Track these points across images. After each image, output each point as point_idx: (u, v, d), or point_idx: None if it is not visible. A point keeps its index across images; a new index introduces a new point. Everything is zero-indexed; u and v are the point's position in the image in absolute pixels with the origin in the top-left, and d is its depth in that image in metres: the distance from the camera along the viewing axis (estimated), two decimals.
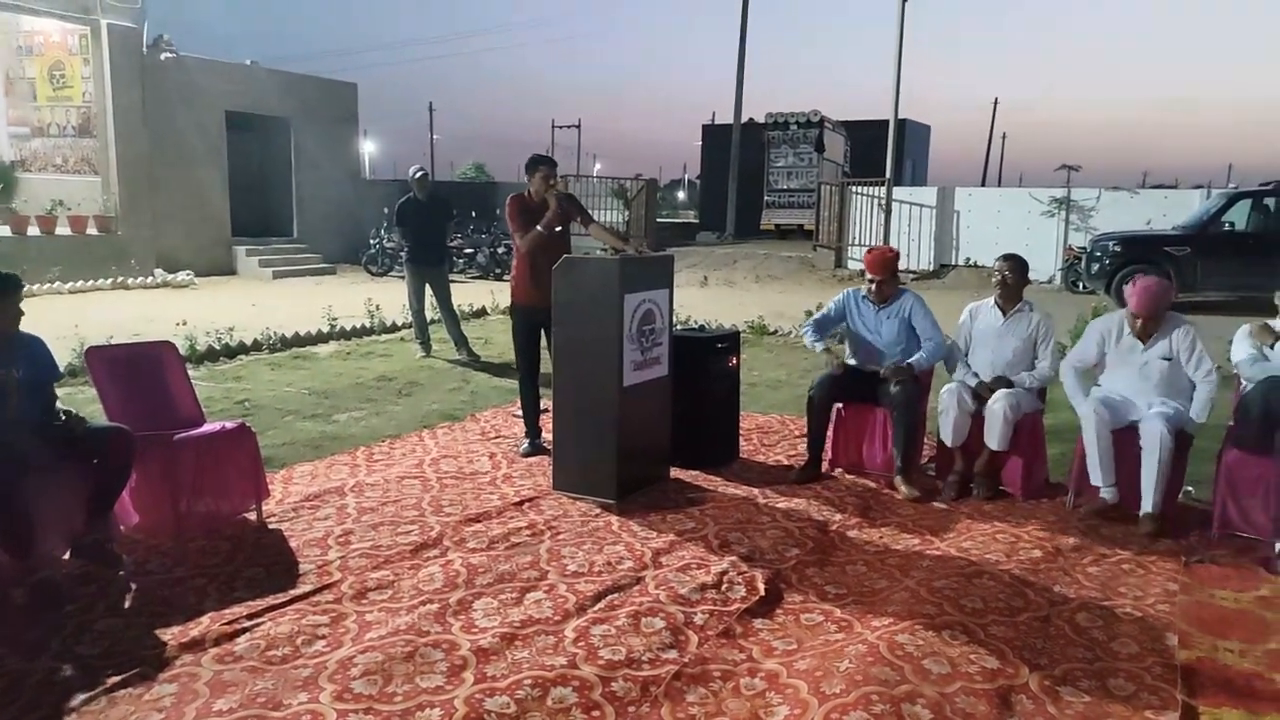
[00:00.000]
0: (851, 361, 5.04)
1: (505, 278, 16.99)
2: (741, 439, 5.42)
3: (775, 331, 9.79)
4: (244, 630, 3.06)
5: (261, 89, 17.86)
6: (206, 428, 4.14)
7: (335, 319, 9.50)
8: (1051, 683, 2.81)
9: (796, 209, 25.16)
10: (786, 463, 5.15)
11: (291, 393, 6.81)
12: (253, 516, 4.09)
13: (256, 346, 8.45)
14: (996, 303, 4.77)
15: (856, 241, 18.46)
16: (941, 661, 2.91)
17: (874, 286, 4.94)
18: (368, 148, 41.63)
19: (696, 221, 32.16)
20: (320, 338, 9.14)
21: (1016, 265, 4.75)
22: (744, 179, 26.61)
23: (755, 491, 4.62)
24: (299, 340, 8.88)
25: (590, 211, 5.49)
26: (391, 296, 11.24)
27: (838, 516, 4.29)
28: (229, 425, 4.19)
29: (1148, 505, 4.07)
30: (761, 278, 17.28)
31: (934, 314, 4.95)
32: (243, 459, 4.09)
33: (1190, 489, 4.41)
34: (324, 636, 3.03)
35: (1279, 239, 12.31)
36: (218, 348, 8.11)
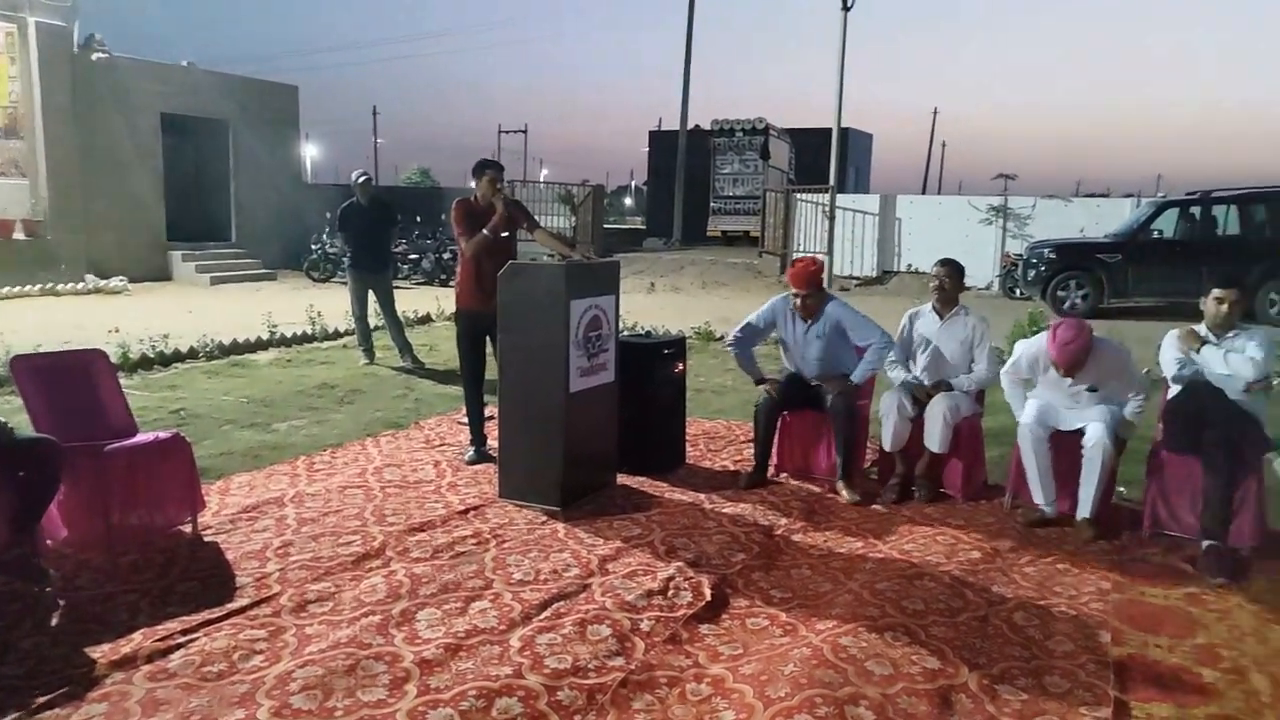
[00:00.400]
0: (790, 368, 5.07)
1: (451, 283, 16.81)
2: (688, 444, 5.43)
3: (722, 337, 9.85)
4: (178, 646, 2.97)
5: (198, 91, 17.47)
6: (139, 438, 4.02)
7: (275, 326, 9.32)
8: (990, 681, 2.86)
9: (743, 215, 25.39)
10: (733, 468, 5.17)
11: (229, 401, 6.66)
12: (188, 529, 3.98)
13: (193, 354, 8.25)
14: (934, 307, 4.86)
15: (802, 248, 18.65)
16: (884, 663, 2.95)
17: (799, 302, 4.85)
18: (309, 151, 40.93)
19: (643, 228, 32.29)
20: (260, 345, 8.96)
21: (953, 270, 4.84)
22: (691, 185, 26.79)
23: (701, 497, 4.64)
24: (237, 347, 8.68)
25: (536, 217, 5.48)
26: (334, 303, 11.07)
27: (783, 521, 4.32)
28: (163, 435, 4.08)
29: (1085, 510, 4.16)
30: (708, 284, 17.38)
31: (877, 319, 4.98)
32: (177, 470, 3.98)
33: (1122, 489, 4.53)
34: (262, 651, 2.96)
35: (1204, 246, 12.76)
36: (152, 356, 7.90)
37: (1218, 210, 13.16)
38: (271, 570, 3.61)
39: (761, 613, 3.34)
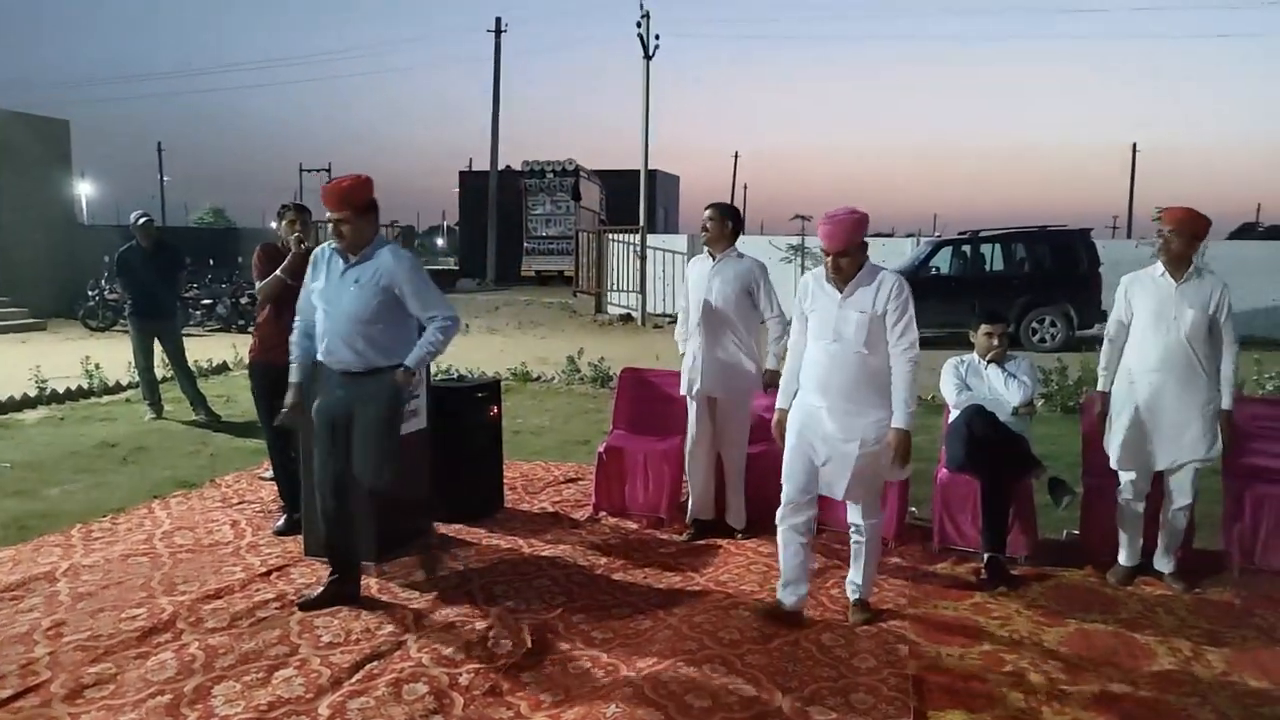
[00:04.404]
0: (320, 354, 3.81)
1: (250, 329, 15.92)
2: (506, 488, 5.36)
3: (538, 378, 9.84)
4: None
5: None
6: None
7: (45, 380, 8.45)
8: (802, 704, 2.97)
9: (556, 255, 25.62)
10: (551, 509, 5.14)
11: None
12: None
13: None
14: (708, 250, 4.64)
15: (615, 287, 19.01)
16: (703, 695, 3.00)
17: (334, 229, 3.65)
18: (85, 190, 37.91)
19: (457, 268, 31.89)
20: (26, 403, 8.09)
21: (716, 213, 4.57)
22: (503, 226, 26.81)
23: (520, 541, 4.58)
24: None
25: None
26: (114, 353, 10.19)
27: (602, 560, 4.33)
28: None
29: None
30: (524, 324, 17.32)
31: None
32: None
33: (914, 509, 4.86)
34: None
35: (974, 281, 14.03)
36: None
37: (985, 248, 14.52)
38: (40, 654, 3.24)
39: (583, 655, 3.32)
